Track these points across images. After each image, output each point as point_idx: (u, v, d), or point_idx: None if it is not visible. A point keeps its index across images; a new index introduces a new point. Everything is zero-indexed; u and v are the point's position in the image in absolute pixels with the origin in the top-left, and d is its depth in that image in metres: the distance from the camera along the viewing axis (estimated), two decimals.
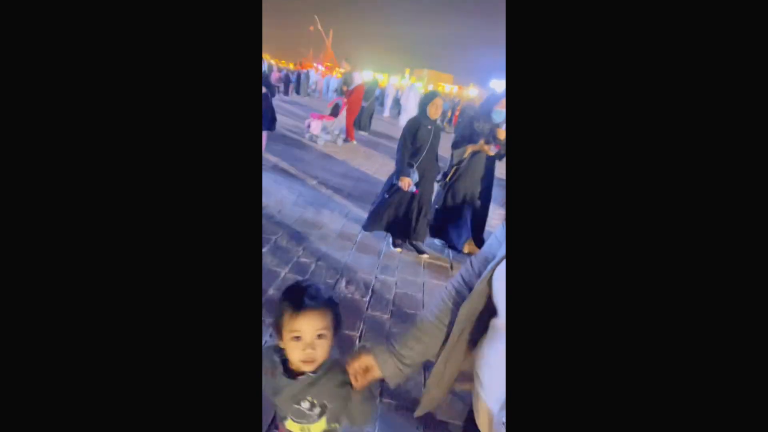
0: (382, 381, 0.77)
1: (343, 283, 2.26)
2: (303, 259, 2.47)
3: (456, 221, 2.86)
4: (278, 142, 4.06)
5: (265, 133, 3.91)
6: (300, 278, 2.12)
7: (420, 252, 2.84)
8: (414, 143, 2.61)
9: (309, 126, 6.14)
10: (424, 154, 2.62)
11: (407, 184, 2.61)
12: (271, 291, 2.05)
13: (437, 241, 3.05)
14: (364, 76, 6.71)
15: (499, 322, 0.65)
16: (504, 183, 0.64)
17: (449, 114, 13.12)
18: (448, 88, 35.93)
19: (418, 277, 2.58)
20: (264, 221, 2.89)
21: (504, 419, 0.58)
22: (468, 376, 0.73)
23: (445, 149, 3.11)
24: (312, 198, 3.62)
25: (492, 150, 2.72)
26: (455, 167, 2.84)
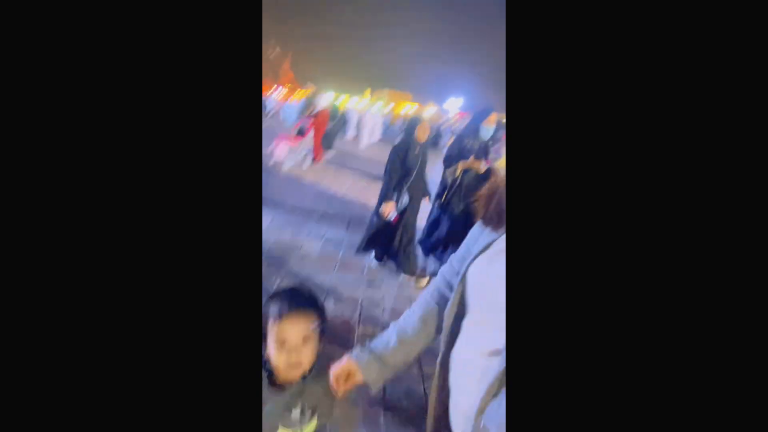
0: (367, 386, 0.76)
1: (330, 303, 2.24)
2: (286, 283, 2.42)
3: (454, 238, 2.78)
4: None
5: None
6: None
7: (416, 275, 2.79)
8: (403, 167, 2.60)
9: (273, 152, 6.05)
10: (413, 177, 2.61)
11: (388, 211, 2.59)
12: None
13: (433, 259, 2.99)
14: (328, 98, 6.82)
15: (467, 321, 0.64)
16: None
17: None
18: (407, 107, 37.19)
19: (405, 290, 2.62)
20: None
21: (483, 424, 0.57)
22: None
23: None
24: (284, 222, 3.57)
25: (483, 167, 2.67)
26: (449, 186, 2.79)
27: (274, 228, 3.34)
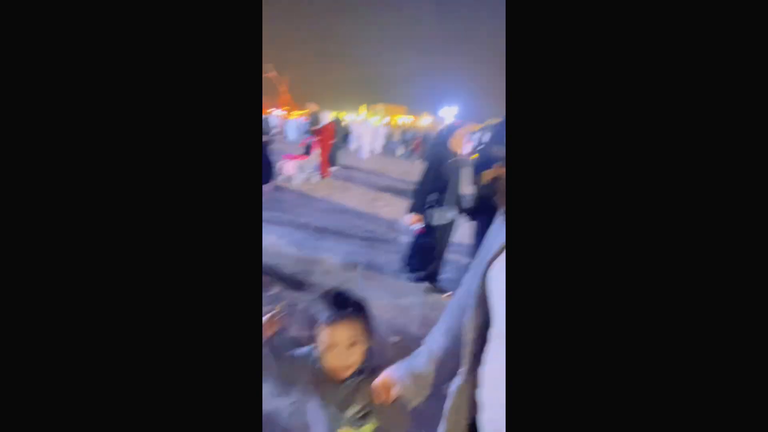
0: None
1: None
2: (331, 288, 2.42)
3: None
4: None
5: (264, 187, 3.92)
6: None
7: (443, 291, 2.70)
8: (439, 179, 2.45)
9: (281, 169, 6.14)
10: (449, 189, 2.48)
11: (413, 221, 2.48)
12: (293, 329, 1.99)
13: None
14: (331, 115, 6.94)
15: (494, 332, 0.58)
16: None
17: (413, 144, 13.74)
18: (403, 119, 37.63)
19: (431, 298, 2.61)
20: (264, 268, 2.82)
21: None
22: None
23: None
24: (302, 238, 3.60)
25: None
26: (478, 195, 2.65)
27: (291, 244, 3.36)
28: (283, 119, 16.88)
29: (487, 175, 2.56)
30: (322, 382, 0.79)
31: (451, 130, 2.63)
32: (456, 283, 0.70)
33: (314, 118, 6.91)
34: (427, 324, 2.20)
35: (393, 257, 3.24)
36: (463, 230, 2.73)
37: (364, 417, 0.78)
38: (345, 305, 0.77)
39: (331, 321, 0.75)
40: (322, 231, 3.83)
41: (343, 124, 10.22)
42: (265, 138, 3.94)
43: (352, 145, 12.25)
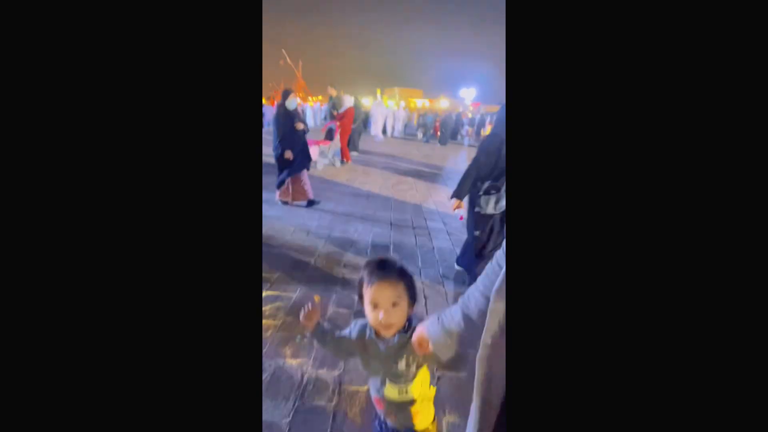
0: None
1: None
2: (348, 276, 2.45)
3: None
4: (273, 174, 4.06)
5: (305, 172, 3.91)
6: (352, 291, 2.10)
7: None
8: (498, 163, 2.23)
9: None
10: (503, 176, 2.26)
11: (455, 206, 2.34)
12: (331, 308, 2.02)
13: None
14: (351, 99, 6.87)
15: None
16: None
17: (432, 128, 13.50)
18: (420, 102, 36.94)
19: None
20: (296, 248, 2.87)
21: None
22: None
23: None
24: (330, 221, 3.62)
25: None
26: None
27: (323, 227, 3.39)
28: (299, 105, 16.91)
29: None
30: (369, 344, 0.86)
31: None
32: None
33: (334, 102, 6.85)
34: None
35: (423, 241, 3.23)
36: None
37: (414, 371, 0.84)
38: (389, 269, 0.83)
39: (376, 282, 0.81)
40: (348, 216, 3.85)
41: (363, 108, 10.13)
42: (301, 126, 3.81)
43: (372, 129, 12.15)
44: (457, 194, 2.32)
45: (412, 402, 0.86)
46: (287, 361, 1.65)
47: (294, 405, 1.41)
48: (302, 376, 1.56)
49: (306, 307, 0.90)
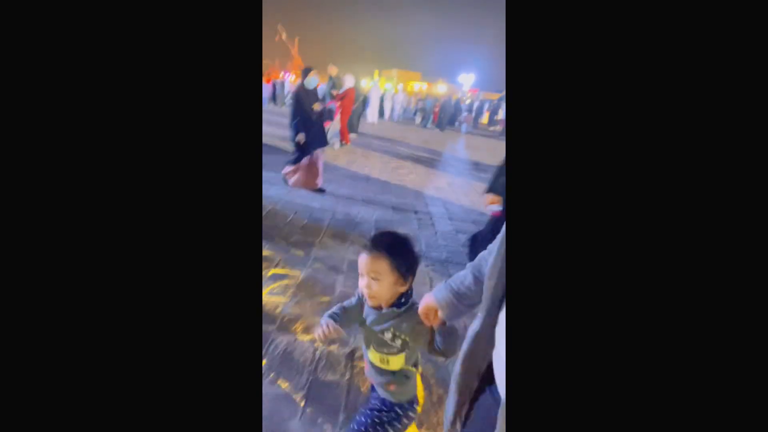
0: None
1: None
2: (352, 257, 2.48)
3: None
4: (272, 154, 3.99)
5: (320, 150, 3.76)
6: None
7: None
8: None
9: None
10: None
11: (490, 201, 2.10)
12: (338, 288, 2.06)
13: None
14: (352, 80, 6.72)
15: None
16: None
17: (432, 112, 13.35)
18: (417, 86, 36.33)
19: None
20: (303, 223, 2.87)
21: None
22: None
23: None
24: (333, 202, 3.62)
25: None
26: None
27: (327, 208, 3.39)
28: (292, 85, 16.48)
29: None
30: (361, 309, 0.93)
31: None
32: None
33: (334, 82, 6.70)
34: None
35: (426, 225, 3.26)
36: None
37: (399, 346, 0.88)
38: (378, 244, 0.86)
39: (365, 252, 0.86)
40: (349, 199, 3.85)
41: (362, 90, 9.94)
42: (318, 107, 3.62)
43: (369, 112, 11.97)
44: (493, 188, 2.07)
45: (393, 373, 0.91)
46: (298, 337, 1.68)
47: (308, 379, 1.45)
48: (314, 352, 1.60)
49: (324, 329, 0.87)
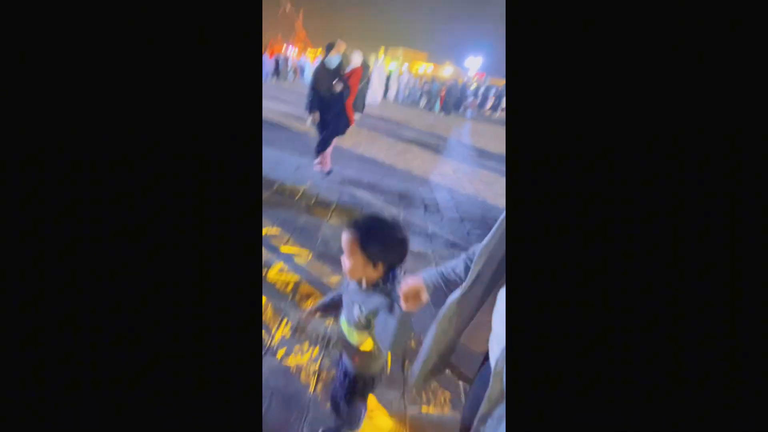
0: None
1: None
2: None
3: None
4: (273, 130, 3.92)
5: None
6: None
7: None
8: None
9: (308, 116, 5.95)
10: None
11: None
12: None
13: None
14: (360, 57, 6.56)
15: None
16: None
17: (438, 96, 13.14)
18: (423, 68, 35.51)
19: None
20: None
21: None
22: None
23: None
24: (339, 185, 3.63)
25: None
26: None
27: (334, 188, 3.40)
28: (295, 59, 16.02)
29: None
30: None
31: None
32: None
33: (344, 59, 6.54)
34: None
35: (432, 210, 3.29)
36: None
37: (364, 323, 0.92)
38: (356, 224, 0.90)
39: (346, 231, 0.90)
40: (355, 183, 3.85)
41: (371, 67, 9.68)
42: (339, 86, 3.47)
43: (369, 94, 11.75)
44: None
45: (356, 347, 0.95)
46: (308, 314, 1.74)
47: (321, 353, 1.52)
48: (326, 329, 1.66)
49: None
